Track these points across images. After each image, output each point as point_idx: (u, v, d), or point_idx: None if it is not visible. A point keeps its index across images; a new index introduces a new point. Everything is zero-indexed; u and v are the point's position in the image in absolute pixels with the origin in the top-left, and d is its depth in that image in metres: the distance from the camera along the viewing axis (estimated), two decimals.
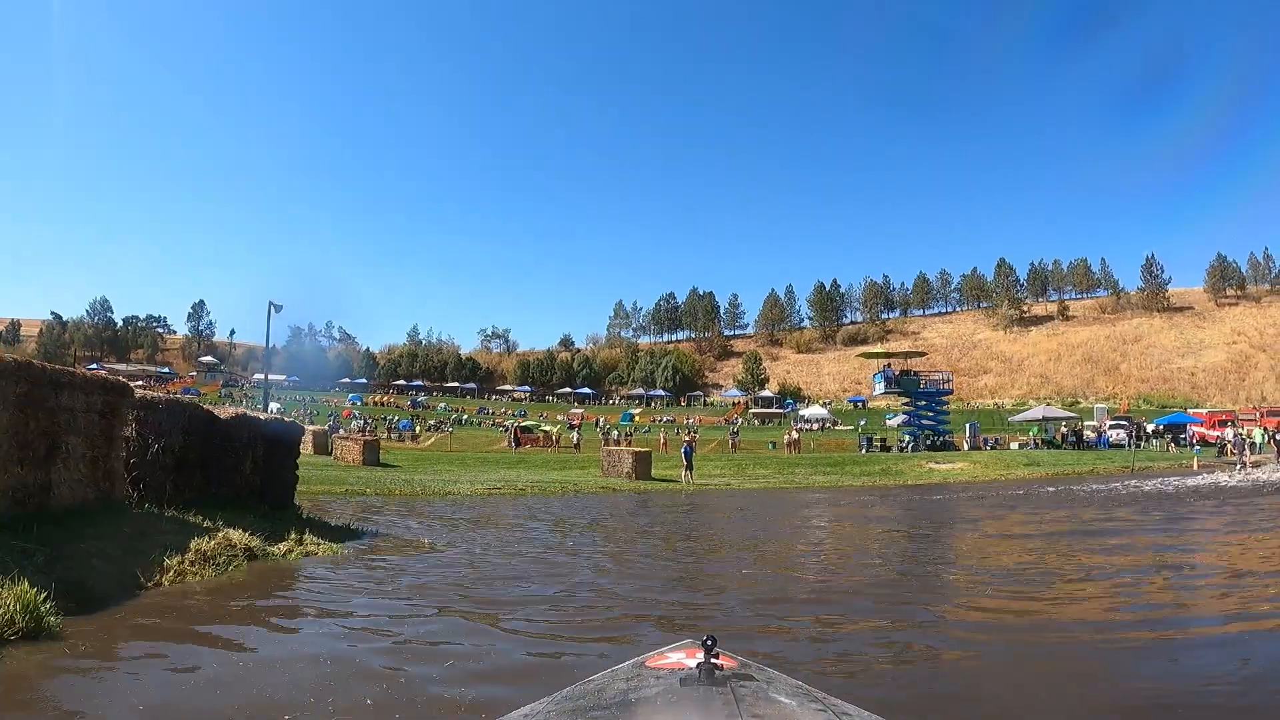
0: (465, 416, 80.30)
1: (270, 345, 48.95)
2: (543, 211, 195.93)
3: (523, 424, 62.71)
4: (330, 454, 33.16)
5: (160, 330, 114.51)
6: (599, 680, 1.77)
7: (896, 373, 43.14)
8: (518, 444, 44.04)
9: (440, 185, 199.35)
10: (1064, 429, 44.80)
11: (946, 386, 44.42)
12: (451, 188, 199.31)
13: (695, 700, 1.45)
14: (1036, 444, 43.37)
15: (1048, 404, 68.31)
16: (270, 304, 46.38)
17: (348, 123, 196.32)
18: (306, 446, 34.16)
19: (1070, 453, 38.79)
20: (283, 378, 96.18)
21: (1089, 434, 43.86)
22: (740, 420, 76.09)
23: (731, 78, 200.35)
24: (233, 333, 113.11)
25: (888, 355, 46.73)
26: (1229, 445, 37.04)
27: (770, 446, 47.46)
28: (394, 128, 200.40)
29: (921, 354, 47.27)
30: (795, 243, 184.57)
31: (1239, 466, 29.68)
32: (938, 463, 33.75)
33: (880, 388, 43.65)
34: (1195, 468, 31.12)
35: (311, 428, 40.18)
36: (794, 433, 47.65)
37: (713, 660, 1.60)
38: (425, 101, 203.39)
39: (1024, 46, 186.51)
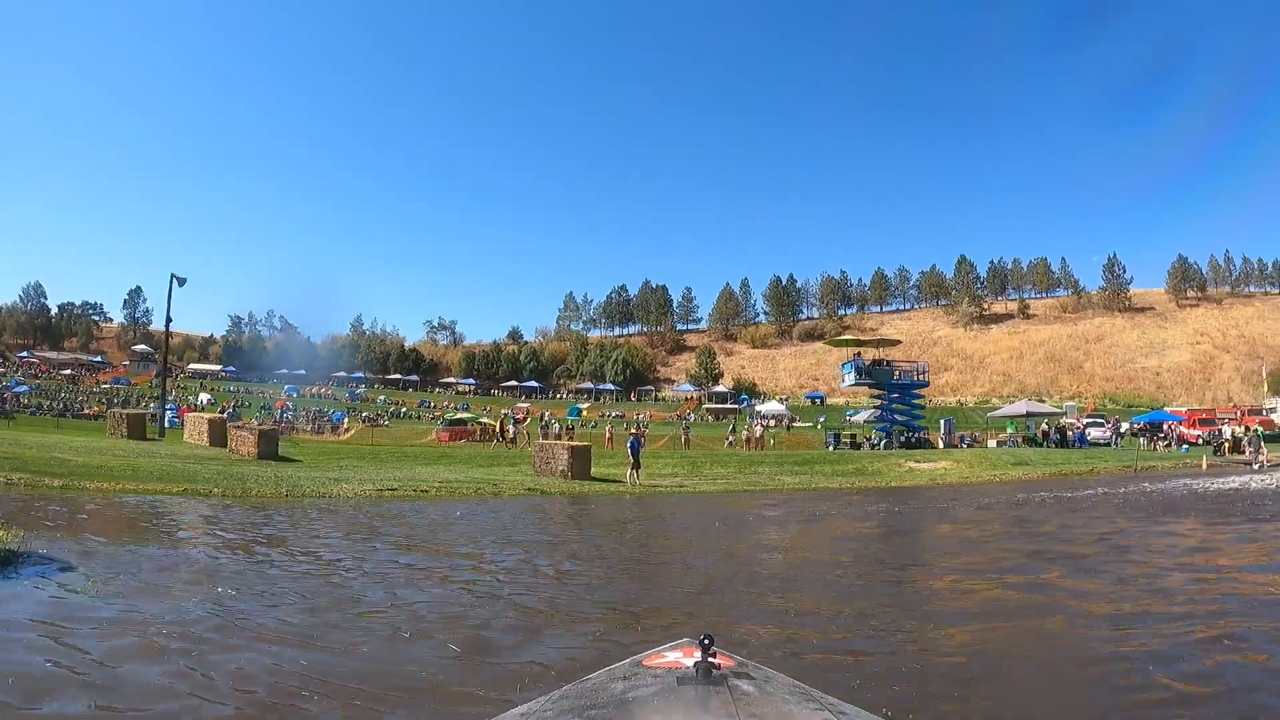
0: (404, 409, 77.10)
1: (169, 321, 43.52)
2: (499, 204, 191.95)
3: (458, 416, 58.52)
4: (227, 446, 28.51)
5: (95, 318, 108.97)
6: (596, 679, 1.76)
7: (867, 363, 39.04)
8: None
9: (394, 173, 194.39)
10: (1045, 426, 41.32)
11: (922, 379, 40.39)
12: (406, 176, 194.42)
13: (693, 699, 1.44)
14: (1016, 442, 39.89)
15: (1012, 402, 65.72)
16: (173, 277, 41.57)
17: (297, 111, 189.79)
18: (202, 437, 30.98)
19: (1058, 451, 35.19)
20: (218, 367, 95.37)
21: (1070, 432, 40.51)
22: (692, 417, 71.95)
23: (693, 72, 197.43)
24: (170, 320, 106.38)
25: (858, 343, 42.58)
26: (1226, 444, 34.38)
27: (727, 444, 43.38)
28: (345, 119, 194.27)
29: (895, 342, 43.12)
30: (750, 238, 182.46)
31: (1257, 465, 27.31)
32: (917, 461, 29.75)
33: (849, 379, 39.35)
34: (1204, 467, 28.32)
35: (206, 416, 35.81)
36: (756, 428, 43.38)
37: (710, 659, 1.59)
38: (379, 92, 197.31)
39: (990, 46, 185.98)
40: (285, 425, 51.79)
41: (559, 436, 39.16)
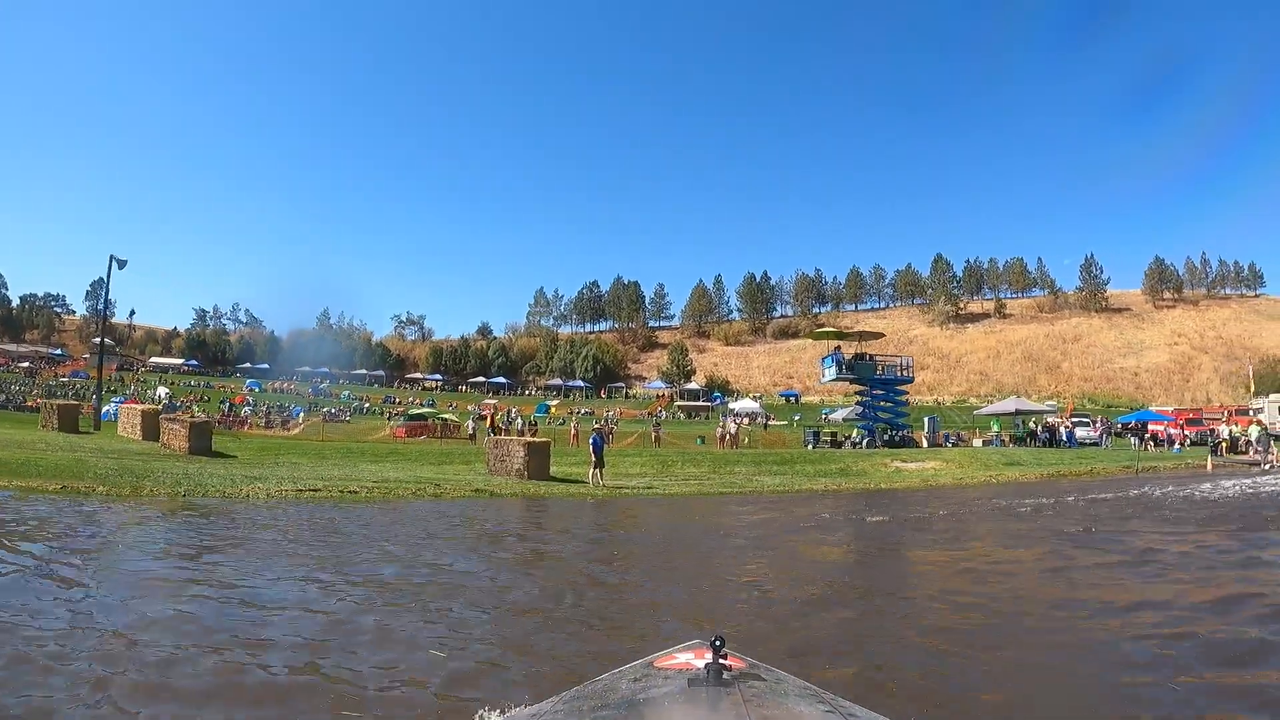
0: (368, 405, 75.24)
1: (109, 304, 40.71)
2: (473, 199, 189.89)
3: (418, 411, 56.39)
4: (159, 439, 26.74)
5: (58, 310, 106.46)
6: (607, 680, 1.74)
7: (849, 357, 36.78)
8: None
9: (367, 169, 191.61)
10: (1034, 425, 39.44)
11: (906, 374, 38.13)
12: (380, 171, 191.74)
13: (703, 701, 1.43)
14: (1001, 441, 38.01)
15: (990, 401, 64.35)
16: (112, 258, 38.94)
17: (269, 107, 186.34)
18: (135, 430, 29.34)
19: (1048, 451, 33.26)
20: (179, 361, 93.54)
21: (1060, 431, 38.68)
22: (663, 415, 69.44)
23: (670, 70, 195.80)
24: (132, 313, 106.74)
25: (839, 336, 40.28)
26: (1223, 444, 32.76)
27: (699, 441, 41.18)
28: (318, 116, 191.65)
29: (878, 335, 40.82)
30: (725, 235, 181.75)
31: (1267, 465, 25.94)
32: (904, 461, 27.61)
33: (830, 374, 37.00)
34: (1209, 469, 26.58)
35: (140, 408, 33.45)
36: (731, 425, 41.08)
37: (721, 661, 1.58)
38: (353, 89, 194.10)
39: (977, 46, 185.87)
40: (232, 419, 49.36)
41: (521, 432, 36.62)
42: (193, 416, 30.29)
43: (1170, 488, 18.67)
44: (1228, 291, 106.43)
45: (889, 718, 1.51)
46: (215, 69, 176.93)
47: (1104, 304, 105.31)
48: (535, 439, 24.45)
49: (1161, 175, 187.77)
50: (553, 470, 22.79)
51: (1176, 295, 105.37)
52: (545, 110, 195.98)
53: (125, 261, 39.71)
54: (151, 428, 28.26)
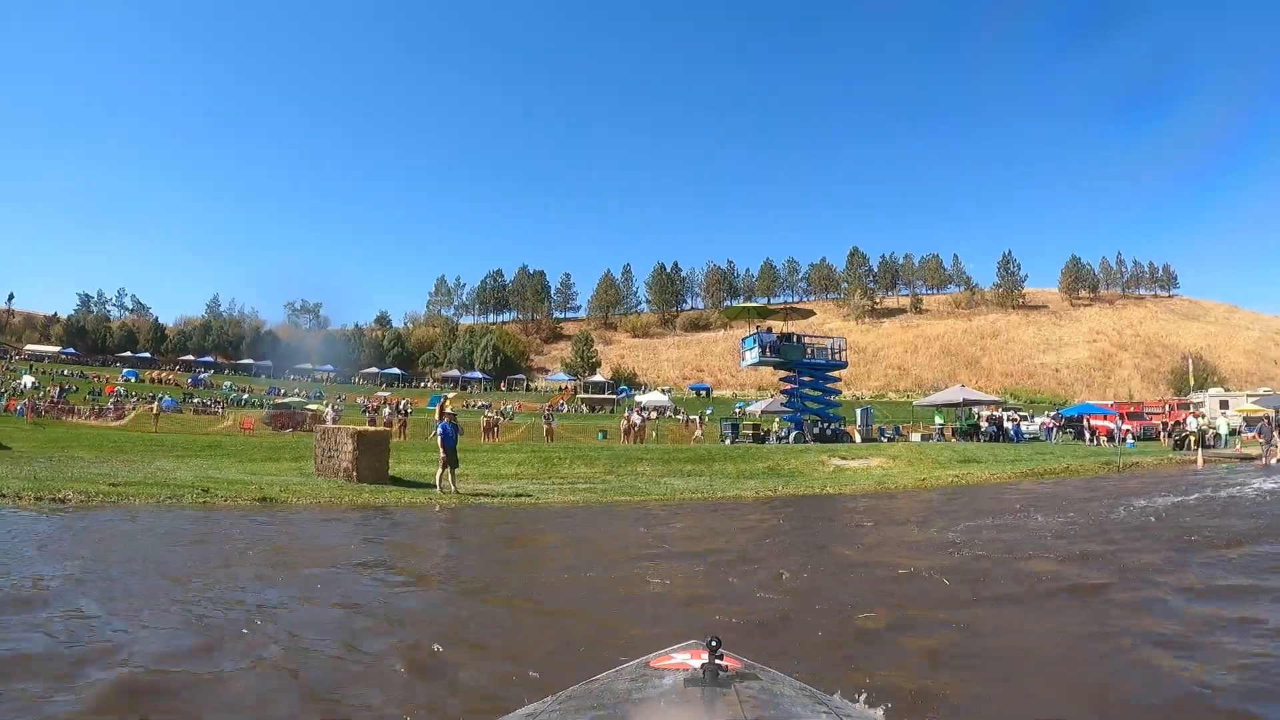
0: (247, 396, 68.62)
1: None
2: (376, 187, 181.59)
3: (283, 400, 50.28)
4: None
5: None
6: (604, 680, 1.72)
7: (777, 336, 31.65)
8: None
9: (272, 152, 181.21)
10: (978, 417, 35.34)
11: (839, 358, 33.24)
12: (282, 154, 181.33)
13: (700, 700, 1.43)
14: (942, 434, 33.73)
15: (911, 396, 61.16)
16: None
17: (158, 89, 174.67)
18: None
19: (1001, 446, 28.98)
20: (57, 349, 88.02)
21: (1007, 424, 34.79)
22: (564, 408, 63.64)
23: (587, 49, 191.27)
24: (11, 297, 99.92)
25: (763, 313, 35.16)
26: (1192, 437, 29.31)
27: (600, 436, 35.81)
28: (210, 90, 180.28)
29: (808, 313, 35.68)
30: (634, 225, 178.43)
31: (1276, 461, 22.35)
32: (844, 458, 22.66)
33: (752, 356, 31.66)
34: (1200, 465, 22.65)
35: None
36: (635, 416, 35.67)
37: (717, 661, 1.58)
38: (268, 74, 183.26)
39: (909, 34, 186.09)
40: (60, 406, 43.27)
41: (388, 424, 30.38)
42: None
43: (1224, 490, 14.00)
44: (1142, 292, 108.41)
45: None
46: (98, 48, 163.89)
47: (1021, 301, 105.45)
48: (369, 429, 18.45)
49: (1079, 175, 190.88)
50: (403, 469, 17.30)
51: (1093, 294, 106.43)
52: (458, 88, 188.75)
53: None
54: None
